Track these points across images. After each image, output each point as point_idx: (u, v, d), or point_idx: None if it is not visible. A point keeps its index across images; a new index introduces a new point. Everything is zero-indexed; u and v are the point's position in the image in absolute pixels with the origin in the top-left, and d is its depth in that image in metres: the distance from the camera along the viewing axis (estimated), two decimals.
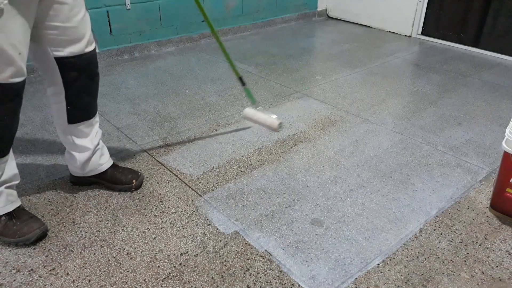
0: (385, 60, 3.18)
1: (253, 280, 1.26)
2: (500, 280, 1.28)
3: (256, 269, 1.30)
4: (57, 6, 1.27)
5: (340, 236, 1.44)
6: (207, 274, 1.28)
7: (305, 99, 2.50)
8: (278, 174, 1.78)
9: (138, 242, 1.41)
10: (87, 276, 1.27)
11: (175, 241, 1.41)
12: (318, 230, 1.47)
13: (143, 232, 1.45)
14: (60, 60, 1.35)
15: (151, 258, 1.34)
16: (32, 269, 1.30)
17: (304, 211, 1.56)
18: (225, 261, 1.33)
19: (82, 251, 1.37)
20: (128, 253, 1.36)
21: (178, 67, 2.97)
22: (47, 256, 1.35)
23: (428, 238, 1.44)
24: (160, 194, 1.65)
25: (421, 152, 1.96)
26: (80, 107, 1.48)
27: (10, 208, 1.39)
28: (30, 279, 1.26)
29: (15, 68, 1.19)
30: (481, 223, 1.52)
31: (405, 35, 3.82)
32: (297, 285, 1.25)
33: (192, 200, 1.61)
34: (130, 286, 1.24)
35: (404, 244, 1.41)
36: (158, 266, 1.31)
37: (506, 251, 1.39)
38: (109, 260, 1.33)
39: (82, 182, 1.67)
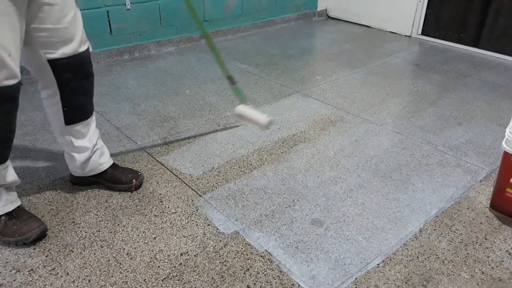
0: (385, 60, 3.18)
1: (253, 280, 1.26)
2: (500, 280, 1.28)
3: (256, 269, 1.30)
4: (47, 8, 1.25)
5: (340, 236, 1.44)
6: (207, 274, 1.28)
7: (305, 99, 2.50)
8: (278, 174, 1.78)
9: (138, 242, 1.41)
10: (87, 276, 1.27)
11: (175, 241, 1.41)
12: (318, 230, 1.47)
13: (143, 232, 1.45)
14: (53, 62, 1.33)
15: (151, 258, 1.34)
16: (32, 269, 1.30)
17: (304, 211, 1.56)
18: (225, 261, 1.33)
19: (82, 251, 1.37)
20: (128, 253, 1.36)
21: (178, 67, 2.97)
22: (47, 256, 1.35)
23: (428, 238, 1.44)
24: (160, 194, 1.65)
25: (421, 152, 1.96)
26: (77, 108, 1.47)
27: (10, 208, 1.39)
28: (30, 279, 1.26)
29: (6, 70, 1.17)
30: (481, 223, 1.52)
31: (405, 35, 3.82)
32: (297, 285, 1.25)
33: (192, 200, 1.61)
34: (130, 286, 1.24)
35: (404, 244, 1.41)
36: (158, 266, 1.31)
37: (506, 251, 1.39)
38: (109, 260, 1.33)
39: (82, 182, 1.67)
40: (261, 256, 1.35)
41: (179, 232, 1.45)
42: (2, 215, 1.38)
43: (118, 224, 1.48)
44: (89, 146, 1.54)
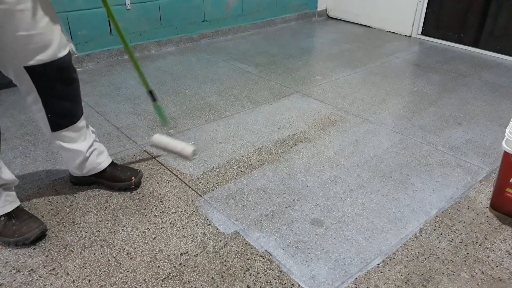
0: (385, 60, 3.18)
1: (253, 280, 1.26)
2: (500, 280, 1.28)
3: (256, 269, 1.30)
4: (18, 14, 1.19)
5: (340, 236, 1.44)
6: (207, 274, 1.28)
7: (305, 99, 2.50)
8: (278, 174, 1.78)
9: (138, 242, 1.41)
10: (87, 276, 1.27)
11: (175, 241, 1.41)
12: (318, 230, 1.47)
13: (143, 232, 1.45)
14: (30, 69, 1.27)
15: (151, 258, 1.34)
16: (32, 269, 1.30)
17: (304, 211, 1.56)
18: (225, 261, 1.33)
19: (82, 251, 1.37)
20: (128, 253, 1.36)
21: (178, 67, 2.97)
22: (47, 256, 1.35)
23: (428, 238, 1.44)
24: (160, 194, 1.65)
25: (421, 152, 1.96)
26: (62, 114, 1.41)
27: (9, 208, 1.39)
28: (30, 279, 1.26)
29: None
30: (481, 223, 1.52)
31: (405, 35, 3.82)
32: (297, 285, 1.25)
33: (192, 200, 1.61)
34: (130, 286, 1.24)
35: (404, 244, 1.41)
36: (158, 266, 1.31)
37: (506, 251, 1.39)
38: (109, 260, 1.33)
39: (82, 182, 1.67)
40: (261, 256, 1.35)
41: (179, 232, 1.45)
42: (1, 216, 1.38)
43: (118, 224, 1.48)
44: (82, 149, 1.51)
